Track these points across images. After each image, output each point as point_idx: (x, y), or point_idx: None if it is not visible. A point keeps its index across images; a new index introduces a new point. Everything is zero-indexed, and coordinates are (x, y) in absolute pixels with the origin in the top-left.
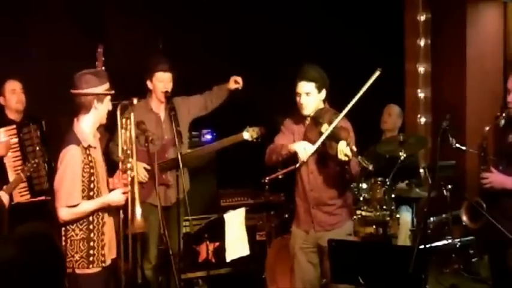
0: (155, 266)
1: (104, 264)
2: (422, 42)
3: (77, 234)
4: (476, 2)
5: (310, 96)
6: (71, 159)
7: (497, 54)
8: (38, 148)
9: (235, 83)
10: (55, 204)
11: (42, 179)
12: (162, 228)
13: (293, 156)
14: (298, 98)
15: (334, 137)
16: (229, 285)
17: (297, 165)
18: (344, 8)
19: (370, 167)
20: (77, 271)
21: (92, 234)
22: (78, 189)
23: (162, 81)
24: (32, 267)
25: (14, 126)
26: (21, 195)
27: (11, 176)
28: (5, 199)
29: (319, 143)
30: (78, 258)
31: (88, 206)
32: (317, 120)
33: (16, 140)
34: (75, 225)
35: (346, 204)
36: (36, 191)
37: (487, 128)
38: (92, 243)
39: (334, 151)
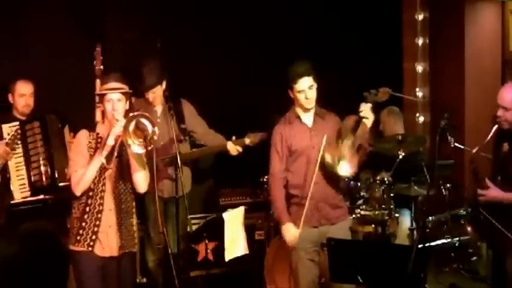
0: (157, 260)
1: (90, 249)
2: (420, 41)
3: (75, 213)
4: (474, 1)
5: (313, 89)
6: (76, 139)
7: (496, 53)
8: (39, 145)
9: (236, 150)
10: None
11: (43, 175)
12: (161, 227)
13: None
14: (302, 95)
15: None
16: (228, 284)
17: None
18: (342, 7)
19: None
20: (69, 247)
21: (85, 216)
22: (80, 161)
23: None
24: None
25: (17, 123)
26: (22, 192)
27: (13, 173)
28: None
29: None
30: (70, 235)
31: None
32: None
33: (18, 137)
34: (76, 203)
35: (343, 197)
36: (36, 187)
37: (474, 150)
38: (83, 224)
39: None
